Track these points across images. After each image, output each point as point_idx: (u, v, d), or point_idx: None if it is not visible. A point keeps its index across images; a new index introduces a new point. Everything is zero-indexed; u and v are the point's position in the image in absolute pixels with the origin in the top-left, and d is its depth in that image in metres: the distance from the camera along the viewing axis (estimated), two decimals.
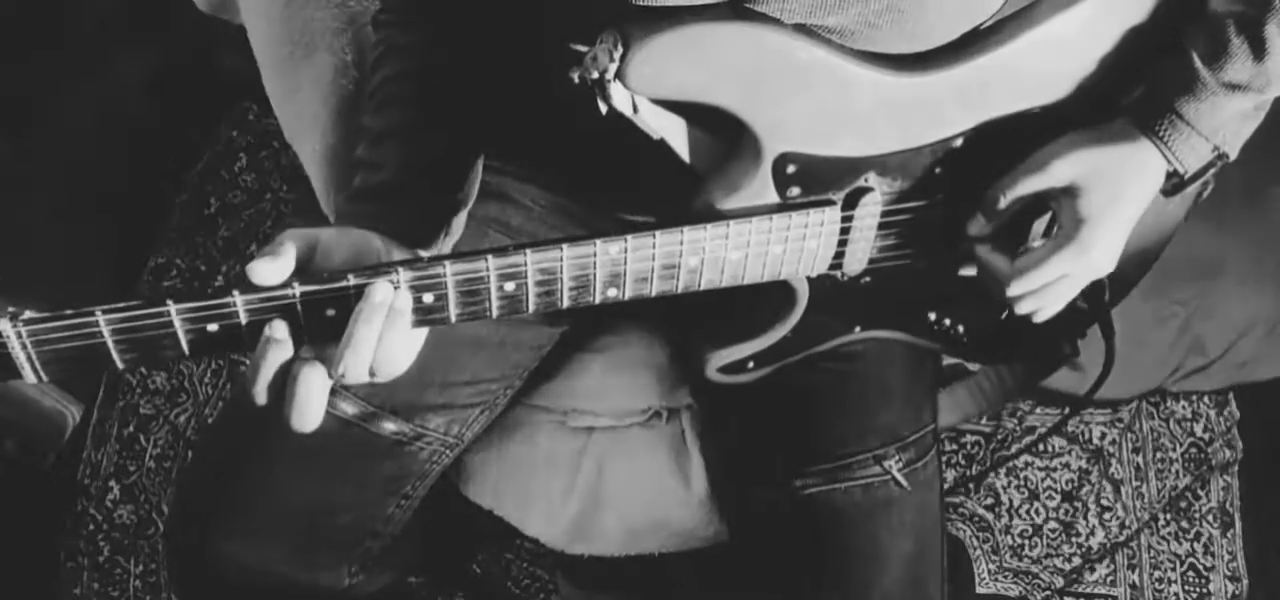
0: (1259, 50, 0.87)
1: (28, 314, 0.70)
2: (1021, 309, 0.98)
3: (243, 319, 0.74)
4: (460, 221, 0.97)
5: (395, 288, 0.76)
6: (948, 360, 1.24)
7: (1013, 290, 0.96)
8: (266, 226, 1.88)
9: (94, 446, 1.70)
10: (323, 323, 0.76)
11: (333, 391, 0.77)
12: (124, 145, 1.95)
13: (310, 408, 0.74)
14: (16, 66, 1.96)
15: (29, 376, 0.72)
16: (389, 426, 1.03)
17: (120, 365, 0.74)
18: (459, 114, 0.99)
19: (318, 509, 1.02)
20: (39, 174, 1.92)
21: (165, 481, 1.66)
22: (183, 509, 1.07)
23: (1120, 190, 0.92)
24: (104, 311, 0.71)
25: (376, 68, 1.02)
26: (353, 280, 0.75)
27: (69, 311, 0.71)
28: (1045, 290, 0.96)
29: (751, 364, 1.07)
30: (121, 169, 1.93)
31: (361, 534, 1.06)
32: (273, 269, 0.73)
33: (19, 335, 0.70)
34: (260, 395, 0.75)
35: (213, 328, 0.73)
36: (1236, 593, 1.59)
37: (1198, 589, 1.59)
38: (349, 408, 1.01)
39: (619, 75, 0.82)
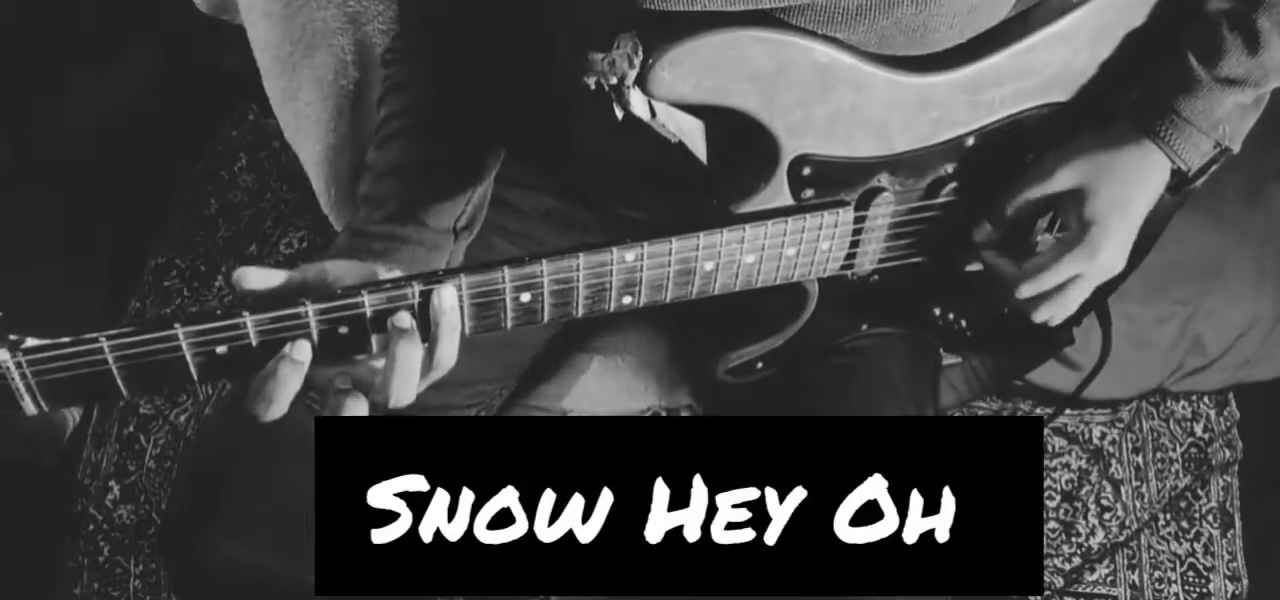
0: (1253, 44, 0.88)
1: (29, 342, 0.66)
2: (1037, 316, 0.99)
3: (253, 340, 0.72)
4: (460, 250, 0.97)
5: (414, 315, 0.75)
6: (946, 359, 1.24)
7: (1023, 293, 0.96)
8: (266, 226, 1.88)
9: (94, 446, 1.69)
10: (336, 340, 0.74)
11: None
12: (124, 146, 1.95)
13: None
14: (17, 66, 1.96)
15: (29, 408, 0.69)
16: None
17: (126, 393, 0.70)
18: (462, 146, 0.99)
19: (312, 507, 1.02)
20: (39, 175, 1.92)
21: (165, 481, 1.66)
22: (177, 507, 1.07)
23: (1127, 191, 0.93)
24: (108, 337, 0.68)
25: (381, 103, 1.02)
26: (367, 300, 0.74)
27: (69, 339, 0.67)
28: (1056, 293, 0.97)
29: (760, 364, 1.07)
30: (122, 170, 1.92)
31: None
32: (263, 276, 0.73)
33: (19, 366, 0.67)
34: (278, 412, 0.74)
35: (222, 350, 0.71)
36: (1236, 593, 1.59)
37: (1198, 589, 1.59)
38: None
39: (639, 81, 0.82)
